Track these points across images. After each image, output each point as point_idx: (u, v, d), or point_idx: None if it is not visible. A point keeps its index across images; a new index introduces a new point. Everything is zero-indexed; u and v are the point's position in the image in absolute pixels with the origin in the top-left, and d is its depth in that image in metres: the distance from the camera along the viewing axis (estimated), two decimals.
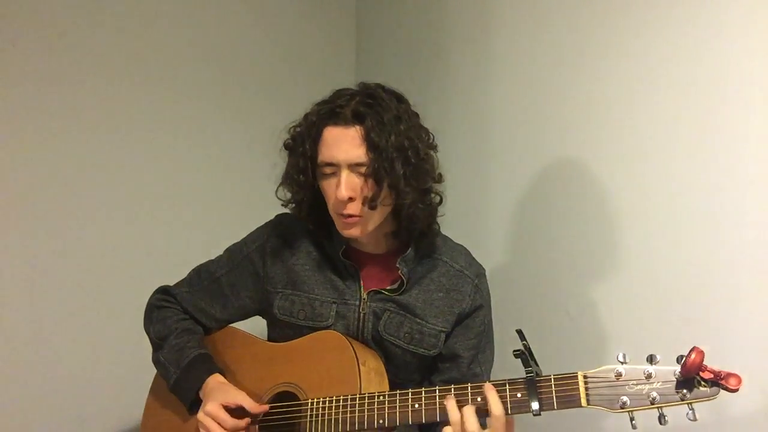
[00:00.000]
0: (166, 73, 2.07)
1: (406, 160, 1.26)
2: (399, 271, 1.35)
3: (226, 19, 2.21)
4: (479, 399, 1.14)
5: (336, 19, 2.53)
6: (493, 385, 1.14)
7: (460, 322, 1.40)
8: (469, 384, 1.17)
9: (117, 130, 1.98)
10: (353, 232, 1.31)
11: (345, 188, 1.25)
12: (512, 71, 1.95)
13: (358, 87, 1.33)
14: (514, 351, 1.11)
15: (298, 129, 1.33)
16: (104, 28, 1.94)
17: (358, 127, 1.25)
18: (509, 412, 1.12)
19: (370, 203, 1.26)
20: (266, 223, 1.50)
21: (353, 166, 1.26)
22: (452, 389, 1.17)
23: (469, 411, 1.13)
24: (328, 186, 1.29)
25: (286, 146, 1.35)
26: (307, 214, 1.38)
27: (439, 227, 1.43)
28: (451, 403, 1.15)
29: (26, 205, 1.83)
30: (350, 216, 1.28)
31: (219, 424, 1.27)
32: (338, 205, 1.28)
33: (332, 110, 1.27)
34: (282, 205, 1.39)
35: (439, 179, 1.36)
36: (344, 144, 1.25)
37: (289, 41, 2.38)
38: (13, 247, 1.81)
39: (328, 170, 1.28)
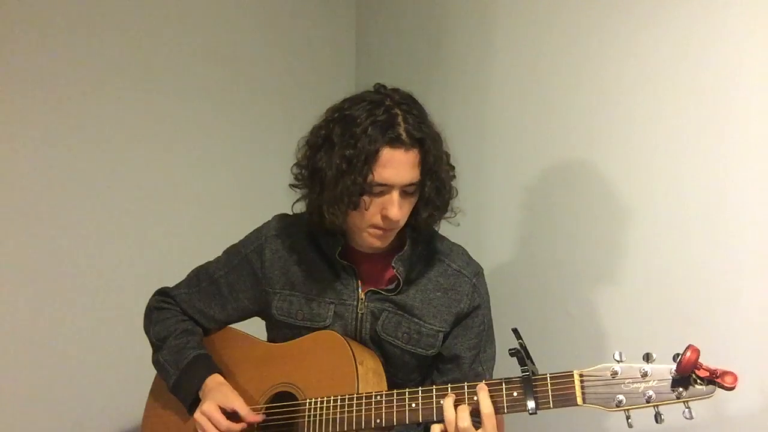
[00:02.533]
0: (165, 74, 2.08)
1: (449, 178, 1.32)
2: (395, 270, 1.35)
3: (226, 20, 2.22)
4: (475, 398, 1.14)
5: (336, 19, 2.53)
6: (486, 384, 1.14)
7: (459, 322, 1.40)
8: (466, 384, 1.16)
9: (116, 132, 1.99)
10: (383, 243, 1.33)
11: (400, 209, 1.26)
12: (513, 71, 1.95)
13: (380, 90, 1.31)
14: (510, 350, 1.11)
15: (350, 151, 1.25)
16: (106, 30, 1.95)
17: (416, 150, 1.25)
18: (505, 411, 1.12)
19: (419, 220, 1.31)
20: (264, 224, 1.50)
21: (405, 186, 1.26)
22: (449, 388, 1.17)
23: (464, 410, 1.13)
24: (372, 203, 1.27)
25: (339, 169, 1.26)
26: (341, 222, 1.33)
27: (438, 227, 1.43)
28: (447, 402, 1.15)
29: (27, 205, 1.84)
30: (392, 230, 1.30)
31: (214, 424, 1.28)
32: (385, 222, 1.27)
33: (385, 130, 1.23)
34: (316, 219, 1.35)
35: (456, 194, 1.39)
36: (404, 168, 1.24)
37: (290, 41, 2.38)
38: (13, 247, 1.82)
39: (378, 189, 1.26)
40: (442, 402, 1.16)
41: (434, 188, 1.29)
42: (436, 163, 1.28)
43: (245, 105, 2.27)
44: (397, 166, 1.24)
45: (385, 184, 1.25)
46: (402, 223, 1.30)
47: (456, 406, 1.14)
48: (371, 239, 1.32)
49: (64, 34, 1.87)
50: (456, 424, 1.12)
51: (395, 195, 1.25)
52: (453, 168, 1.37)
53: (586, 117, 1.72)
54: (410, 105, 1.28)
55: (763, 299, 1.38)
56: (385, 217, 1.27)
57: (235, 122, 2.24)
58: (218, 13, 2.20)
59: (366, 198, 1.26)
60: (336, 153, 1.25)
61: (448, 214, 1.38)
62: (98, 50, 1.94)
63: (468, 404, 1.14)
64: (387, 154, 1.23)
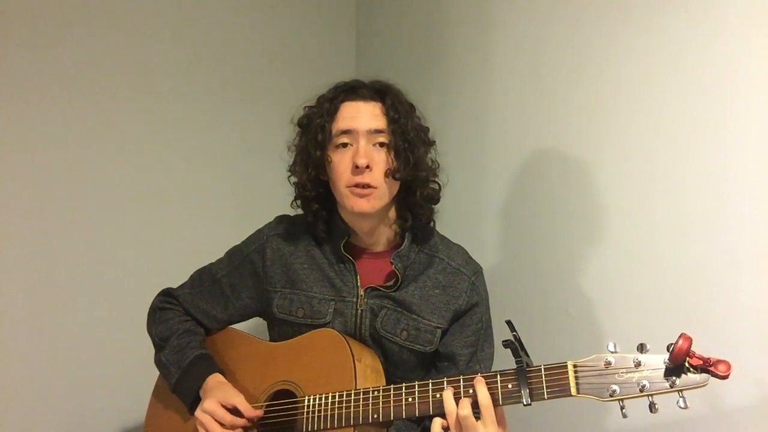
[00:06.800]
0: (165, 73, 2.08)
1: (421, 141, 1.33)
2: (393, 266, 1.36)
3: (225, 19, 2.23)
4: (470, 391, 1.14)
5: (336, 19, 2.54)
6: (482, 376, 1.14)
7: (457, 319, 1.40)
8: (462, 377, 1.16)
9: (119, 131, 1.99)
10: (365, 204, 1.30)
11: (363, 155, 1.27)
12: (512, 71, 1.94)
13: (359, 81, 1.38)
14: (504, 341, 1.11)
15: (314, 109, 1.35)
16: (105, 29, 1.96)
17: (377, 103, 1.30)
18: (500, 402, 1.12)
19: (393, 174, 1.29)
20: (266, 225, 1.51)
21: (372, 134, 1.28)
22: (444, 382, 1.17)
23: (466, 401, 1.13)
24: (341, 158, 1.30)
25: (300, 123, 1.36)
26: (314, 197, 1.38)
27: (435, 224, 1.44)
28: (447, 394, 1.15)
29: (29, 205, 1.85)
30: (366, 186, 1.29)
31: (217, 421, 1.28)
32: (355, 173, 1.28)
33: (350, 88, 1.31)
34: (295, 201, 1.43)
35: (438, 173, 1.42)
36: (364, 114, 1.29)
37: (289, 41, 2.39)
38: (15, 247, 1.83)
39: (344, 139, 1.29)
40: (439, 395, 1.16)
41: (405, 140, 1.30)
42: (404, 118, 1.30)
43: (245, 105, 2.27)
44: (356, 113, 1.29)
45: (347, 130, 1.29)
46: (377, 177, 1.30)
47: (457, 399, 1.14)
48: (353, 200, 1.31)
49: (60, 33, 1.88)
50: (457, 413, 1.12)
51: (361, 141, 1.28)
52: (433, 143, 1.39)
53: (585, 117, 1.72)
54: (392, 85, 1.35)
55: (762, 298, 1.37)
56: (355, 167, 1.27)
57: (235, 123, 2.25)
58: (218, 14, 2.20)
59: (332, 156, 1.31)
60: (302, 117, 1.36)
61: (432, 176, 1.38)
62: (96, 49, 1.94)
63: (464, 396, 1.14)
64: (346, 106, 1.31)
